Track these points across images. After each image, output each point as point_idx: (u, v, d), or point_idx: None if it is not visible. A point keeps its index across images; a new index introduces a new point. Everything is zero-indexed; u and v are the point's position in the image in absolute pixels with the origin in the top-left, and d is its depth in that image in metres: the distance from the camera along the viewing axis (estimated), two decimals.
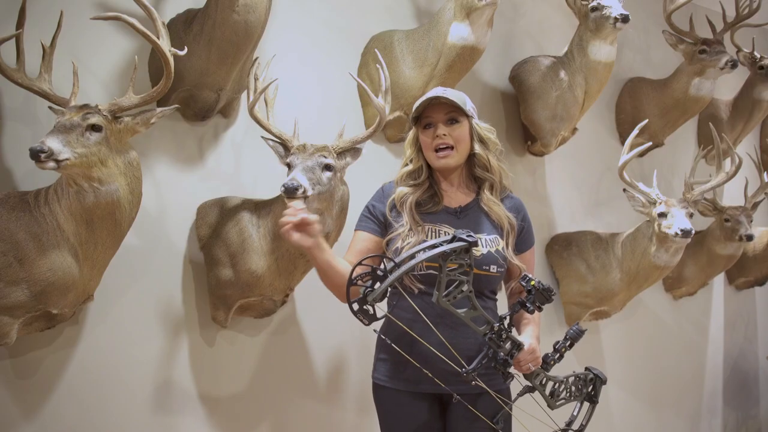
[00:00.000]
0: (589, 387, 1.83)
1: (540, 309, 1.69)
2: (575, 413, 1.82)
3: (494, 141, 1.92)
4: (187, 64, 2.13)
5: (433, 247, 1.57)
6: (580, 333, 1.76)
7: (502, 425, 1.79)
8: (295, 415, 2.58)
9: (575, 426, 1.81)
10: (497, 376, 1.75)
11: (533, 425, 1.81)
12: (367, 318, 1.59)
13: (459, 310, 1.60)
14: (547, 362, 1.74)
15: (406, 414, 1.85)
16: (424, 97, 1.88)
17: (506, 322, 1.66)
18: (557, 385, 1.76)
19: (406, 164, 1.94)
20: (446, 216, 1.88)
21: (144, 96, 1.81)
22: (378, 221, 1.92)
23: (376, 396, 1.93)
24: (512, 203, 1.95)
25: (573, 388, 1.80)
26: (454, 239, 1.57)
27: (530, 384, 1.73)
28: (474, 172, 1.92)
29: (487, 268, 1.81)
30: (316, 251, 1.74)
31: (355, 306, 1.57)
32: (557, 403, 1.75)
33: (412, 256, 1.59)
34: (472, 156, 1.91)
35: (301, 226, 1.68)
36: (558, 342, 1.76)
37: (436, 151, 1.87)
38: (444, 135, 1.85)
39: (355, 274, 1.58)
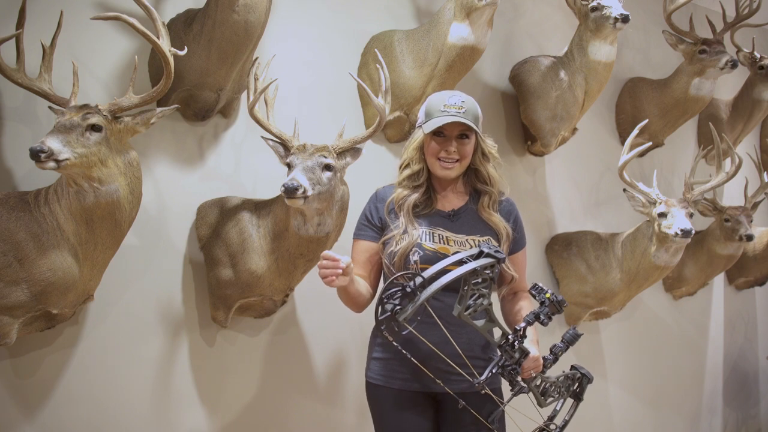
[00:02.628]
0: (575, 385, 1.84)
1: (550, 320, 1.69)
2: (558, 408, 1.83)
3: (495, 156, 1.95)
4: (187, 64, 2.13)
5: (461, 262, 1.57)
6: (576, 336, 1.76)
7: (497, 425, 1.79)
8: (295, 415, 2.58)
9: (558, 421, 1.81)
10: (493, 376, 1.76)
11: (521, 421, 1.82)
12: (394, 335, 1.59)
13: (476, 322, 1.60)
14: (544, 365, 1.75)
15: (399, 412, 1.86)
16: (437, 104, 1.88)
17: (520, 333, 1.66)
18: (549, 385, 1.77)
19: (407, 165, 1.94)
20: (440, 219, 1.90)
21: (144, 96, 1.81)
22: (376, 227, 1.93)
23: (369, 395, 1.95)
24: (504, 206, 1.97)
25: (561, 387, 1.81)
26: (481, 254, 1.57)
27: (526, 386, 1.73)
28: (474, 184, 1.95)
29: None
30: (349, 285, 1.78)
31: (383, 323, 1.58)
32: (547, 402, 1.76)
33: (442, 271, 1.59)
34: (471, 167, 1.94)
35: (344, 271, 1.68)
36: (555, 345, 1.77)
37: (441, 160, 1.88)
38: (454, 151, 1.87)
39: (384, 293, 1.58)
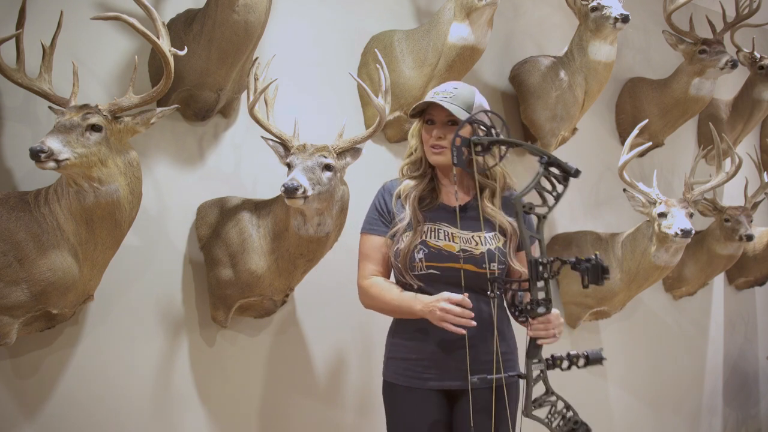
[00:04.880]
0: (568, 429, 1.64)
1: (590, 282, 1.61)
2: None
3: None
4: (187, 64, 2.13)
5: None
6: (599, 358, 1.63)
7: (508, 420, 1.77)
8: (295, 415, 2.58)
9: None
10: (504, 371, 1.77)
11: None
12: (459, 160, 1.63)
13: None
14: (553, 360, 1.63)
15: (416, 410, 1.86)
16: (429, 94, 1.89)
17: (558, 265, 1.60)
18: (548, 398, 1.62)
19: (410, 154, 1.96)
20: (445, 214, 1.89)
21: (144, 96, 1.81)
22: (387, 221, 1.91)
23: (386, 394, 1.94)
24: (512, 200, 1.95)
25: (556, 417, 1.63)
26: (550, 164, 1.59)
27: (524, 372, 1.62)
28: (476, 174, 1.92)
29: (487, 266, 1.82)
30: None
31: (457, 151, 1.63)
32: (532, 413, 1.61)
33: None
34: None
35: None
36: (575, 352, 1.64)
37: (432, 147, 1.88)
38: (440, 137, 1.85)
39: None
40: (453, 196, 1.91)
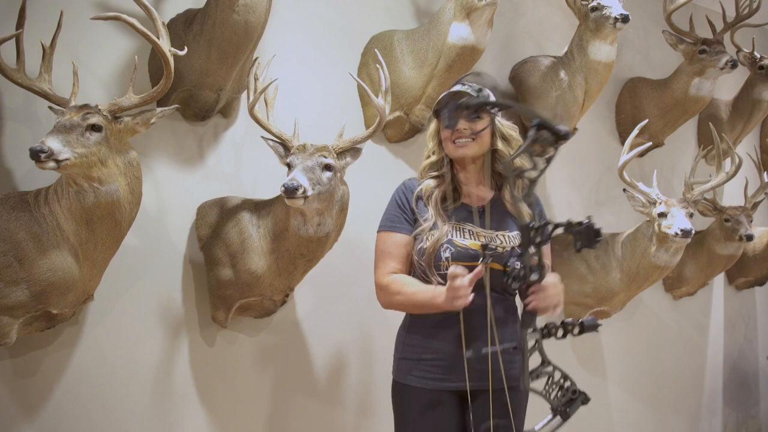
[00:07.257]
0: (567, 399, 1.65)
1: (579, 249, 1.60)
2: (545, 422, 1.64)
3: (517, 138, 1.92)
4: (187, 64, 2.13)
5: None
6: (594, 325, 1.61)
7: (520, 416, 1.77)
8: (295, 415, 2.58)
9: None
10: (515, 373, 1.78)
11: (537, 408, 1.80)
12: (450, 122, 1.64)
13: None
14: (548, 329, 1.61)
15: (430, 412, 1.86)
16: (447, 92, 1.88)
17: (550, 227, 1.58)
18: (545, 369, 1.61)
19: (428, 156, 1.94)
20: (467, 214, 1.88)
21: (144, 96, 1.81)
22: (410, 219, 1.91)
23: (397, 394, 1.93)
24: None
25: (554, 389, 1.63)
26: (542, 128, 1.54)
27: (517, 344, 1.60)
28: (496, 168, 1.92)
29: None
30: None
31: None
32: (530, 385, 1.59)
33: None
34: (493, 152, 1.91)
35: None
36: (569, 320, 1.61)
37: (455, 142, 1.87)
38: (464, 129, 1.84)
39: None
40: (475, 196, 1.91)
